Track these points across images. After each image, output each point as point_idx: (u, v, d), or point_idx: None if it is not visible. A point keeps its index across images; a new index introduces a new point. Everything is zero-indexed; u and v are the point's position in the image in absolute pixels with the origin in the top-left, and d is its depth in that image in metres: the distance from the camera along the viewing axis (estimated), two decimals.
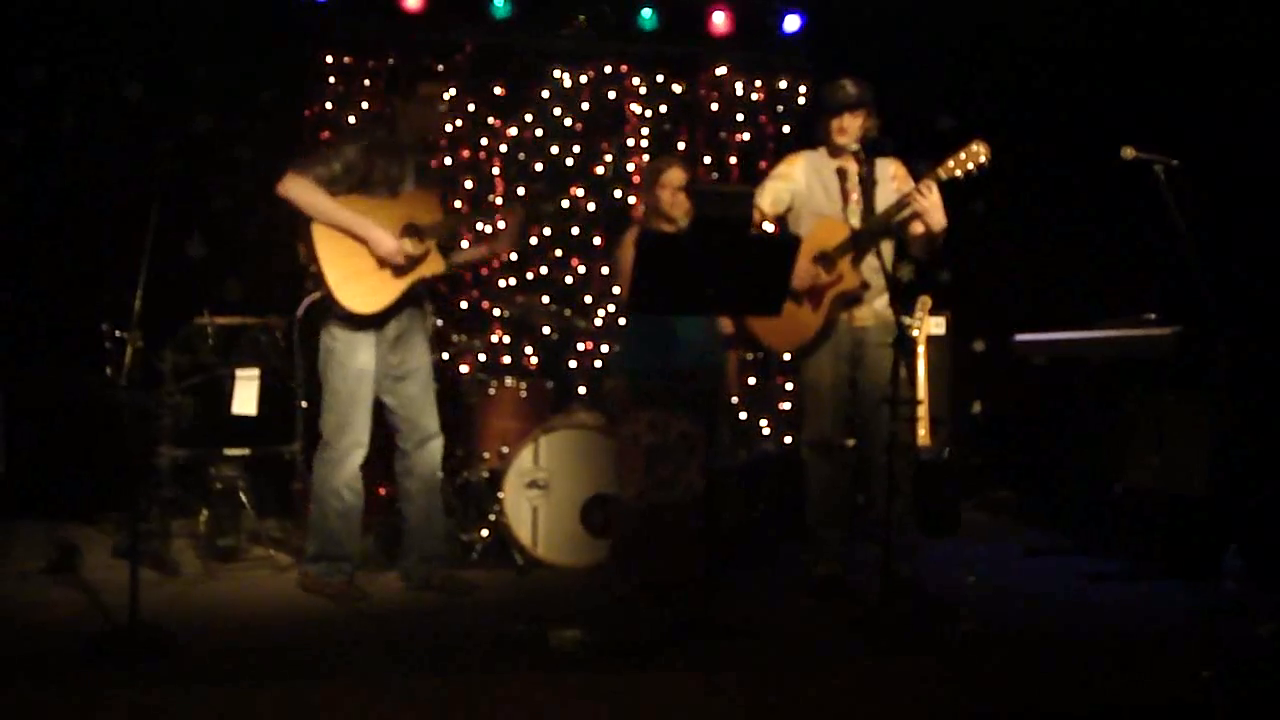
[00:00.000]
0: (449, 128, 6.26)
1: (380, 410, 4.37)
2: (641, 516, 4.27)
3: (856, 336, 4.37)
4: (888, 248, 4.31)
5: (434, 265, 4.31)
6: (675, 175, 4.34)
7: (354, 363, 4.22)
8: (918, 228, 4.27)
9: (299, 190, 4.09)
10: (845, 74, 4.36)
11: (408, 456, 4.39)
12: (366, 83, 6.16)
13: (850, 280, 4.28)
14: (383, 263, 4.19)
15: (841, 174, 4.32)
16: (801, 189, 4.43)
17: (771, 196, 4.46)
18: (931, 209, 4.15)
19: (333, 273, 4.12)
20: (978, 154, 4.06)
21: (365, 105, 6.12)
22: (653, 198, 4.36)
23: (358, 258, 4.16)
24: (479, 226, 5.79)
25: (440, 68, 6.25)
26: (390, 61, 6.17)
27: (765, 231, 4.44)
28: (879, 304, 4.36)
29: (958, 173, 4.10)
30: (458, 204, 6.11)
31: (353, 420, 4.24)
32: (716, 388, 4.46)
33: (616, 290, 5.62)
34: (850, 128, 4.31)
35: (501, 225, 4.65)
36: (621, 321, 5.49)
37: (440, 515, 4.50)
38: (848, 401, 4.40)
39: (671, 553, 4.23)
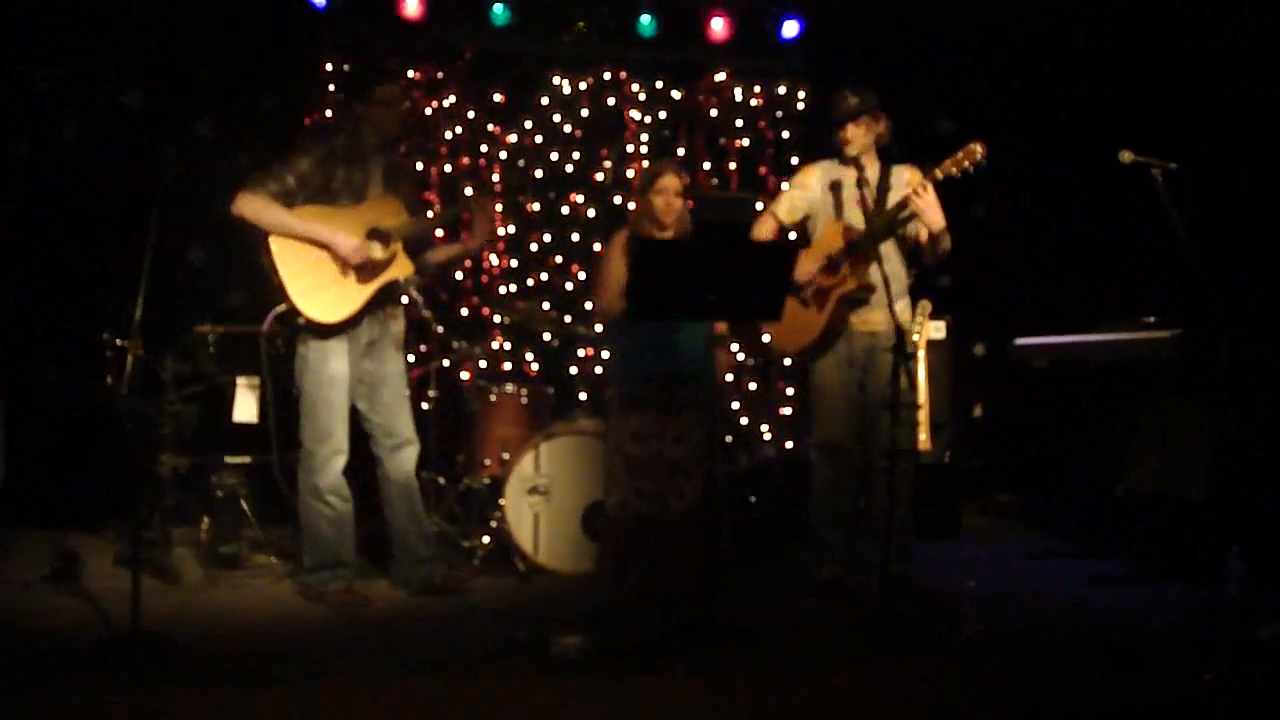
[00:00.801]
0: (448, 135, 6.26)
1: (355, 416, 4.36)
2: (627, 527, 4.23)
3: (867, 342, 4.38)
4: (897, 253, 4.33)
5: (402, 268, 4.30)
6: (670, 181, 4.30)
7: (327, 370, 4.22)
8: (921, 231, 4.29)
9: (251, 208, 4.10)
10: (849, 82, 4.38)
11: (383, 463, 4.40)
12: None
13: (853, 282, 4.30)
14: (346, 270, 4.18)
15: (846, 183, 4.36)
16: (817, 198, 4.48)
17: (788, 205, 4.51)
18: (928, 208, 4.17)
19: (294, 285, 4.12)
20: (975, 152, 4.09)
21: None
22: (646, 203, 4.32)
23: (321, 267, 4.16)
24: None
25: (440, 74, 6.27)
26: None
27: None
28: (897, 307, 4.34)
29: (954, 170, 4.12)
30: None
31: (331, 427, 4.23)
32: (709, 391, 4.41)
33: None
34: (854, 137, 4.34)
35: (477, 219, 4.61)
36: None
37: (423, 516, 4.50)
38: (858, 405, 4.41)
39: (664, 564, 4.18)
